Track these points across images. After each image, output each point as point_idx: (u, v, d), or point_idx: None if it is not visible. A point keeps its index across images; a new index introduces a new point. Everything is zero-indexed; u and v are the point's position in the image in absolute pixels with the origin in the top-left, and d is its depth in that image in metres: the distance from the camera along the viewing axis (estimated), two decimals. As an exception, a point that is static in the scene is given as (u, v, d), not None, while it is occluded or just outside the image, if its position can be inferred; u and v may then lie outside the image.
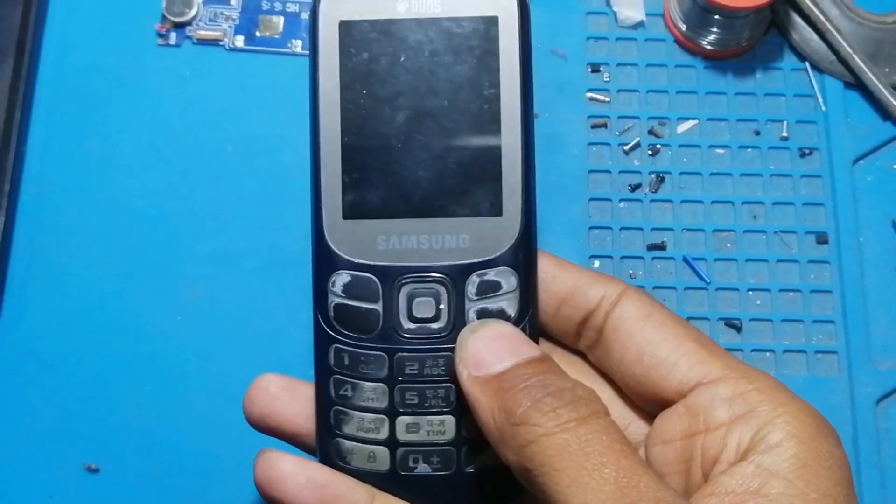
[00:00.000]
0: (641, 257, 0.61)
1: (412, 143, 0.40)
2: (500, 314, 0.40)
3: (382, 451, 0.41)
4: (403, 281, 0.40)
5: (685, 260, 0.61)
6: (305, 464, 0.39)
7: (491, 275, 0.40)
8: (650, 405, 0.41)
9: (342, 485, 0.39)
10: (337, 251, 0.40)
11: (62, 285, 0.61)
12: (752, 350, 0.59)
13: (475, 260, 0.40)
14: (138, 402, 0.59)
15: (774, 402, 0.37)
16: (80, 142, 0.64)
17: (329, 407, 0.41)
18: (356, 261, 0.40)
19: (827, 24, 0.64)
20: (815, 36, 0.65)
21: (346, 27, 0.40)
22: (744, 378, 0.38)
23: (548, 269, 0.42)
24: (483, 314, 0.40)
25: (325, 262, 0.40)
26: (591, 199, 0.63)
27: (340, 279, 0.40)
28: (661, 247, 0.62)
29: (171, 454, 0.58)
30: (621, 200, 0.63)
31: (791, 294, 0.61)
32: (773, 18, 0.66)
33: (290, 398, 0.43)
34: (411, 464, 0.41)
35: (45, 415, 0.59)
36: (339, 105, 0.40)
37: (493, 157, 0.40)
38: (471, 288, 0.40)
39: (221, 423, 0.58)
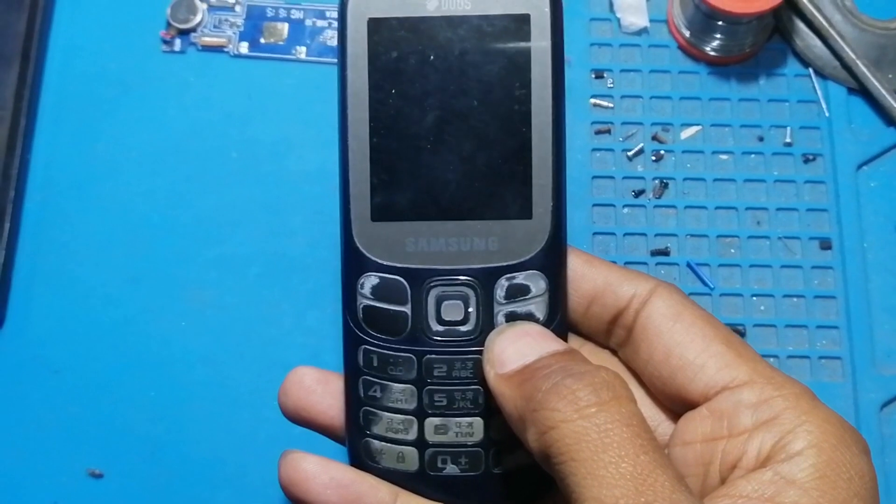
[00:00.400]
0: (645, 263, 0.62)
1: (441, 144, 0.40)
2: (529, 317, 0.40)
3: (411, 452, 0.41)
4: (432, 283, 0.40)
5: (689, 266, 0.61)
6: (328, 463, 0.40)
7: (520, 278, 0.40)
8: (676, 406, 0.40)
9: (364, 484, 0.40)
10: (366, 253, 0.40)
11: (67, 291, 0.61)
12: (756, 356, 0.59)
13: (504, 263, 0.40)
14: (143, 407, 0.59)
15: (799, 409, 0.36)
16: (84, 148, 0.64)
17: (358, 407, 0.41)
18: (385, 263, 0.40)
19: (830, 29, 0.64)
20: (818, 42, 0.65)
21: (375, 24, 0.40)
22: (770, 384, 0.37)
23: (577, 268, 0.41)
24: (512, 317, 0.40)
25: (353, 263, 0.40)
26: (594, 205, 0.63)
27: (369, 281, 0.40)
28: (665, 252, 0.62)
29: (175, 459, 0.58)
30: (625, 206, 0.63)
31: (795, 299, 0.61)
32: (776, 24, 0.66)
33: (324, 391, 0.43)
34: (440, 464, 0.41)
35: (50, 420, 0.59)
36: (367, 104, 0.40)
37: (522, 159, 0.39)
38: (500, 291, 0.40)
39: (226, 429, 0.58)
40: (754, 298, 0.61)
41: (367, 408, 0.41)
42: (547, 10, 0.39)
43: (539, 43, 0.39)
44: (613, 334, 0.42)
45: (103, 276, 0.61)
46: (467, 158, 0.39)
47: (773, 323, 0.60)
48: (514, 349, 0.38)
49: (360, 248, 0.40)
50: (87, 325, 0.60)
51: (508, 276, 0.40)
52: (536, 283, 0.40)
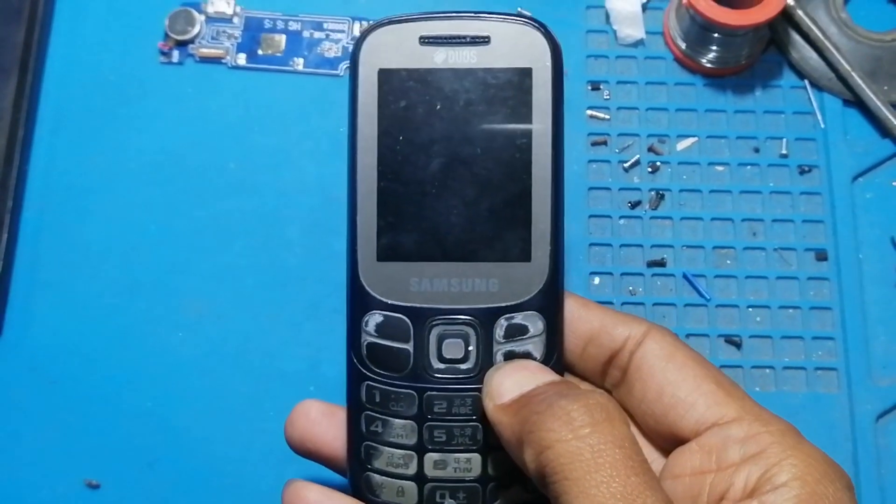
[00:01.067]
0: (641, 274, 0.62)
1: (445, 190, 0.41)
2: (527, 356, 0.41)
3: (411, 486, 0.42)
4: (434, 322, 0.42)
5: (685, 277, 0.61)
6: (331, 494, 0.41)
7: (518, 318, 0.41)
8: (667, 443, 0.42)
9: None
10: (371, 292, 0.42)
11: (64, 302, 0.61)
12: (752, 367, 0.60)
13: (503, 304, 0.41)
14: (140, 418, 0.59)
15: (784, 444, 0.37)
16: (82, 159, 0.64)
17: (360, 441, 0.42)
18: (389, 302, 0.42)
19: (826, 42, 0.65)
20: (813, 54, 0.66)
21: (385, 75, 0.42)
22: (758, 420, 0.39)
23: (574, 310, 0.43)
24: (510, 356, 0.41)
25: (359, 301, 0.42)
26: (591, 216, 0.63)
27: (374, 319, 0.42)
28: (661, 263, 0.62)
29: (172, 470, 0.58)
30: (621, 217, 0.63)
31: (791, 311, 0.61)
32: (772, 36, 0.66)
33: (329, 423, 0.45)
34: (438, 499, 0.42)
35: (47, 430, 0.59)
36: (376, 151, 0.42)
37: (523, 204, 0.41)
38: (499, 331, 0.41)
39: (223, 439, 0.58)
40: (750, 309, 0.61)
41: (369, 442, 0.42)
42: (549, 64, 0.42)
43: (541, 95, 0.41)
44: (608, 375, 0.44)
45: (101, 286, 0.61)
46: (470, 203, 0.41)
47: (769, 334, 0.60)
48: (512, 381, 0.39)
49: (366, 286, 0.42)
50: (84, 336, 0.60)
51: (507, 316, 0.41)
52: (534, 323, 0.41)
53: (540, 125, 0.41)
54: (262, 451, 0.58)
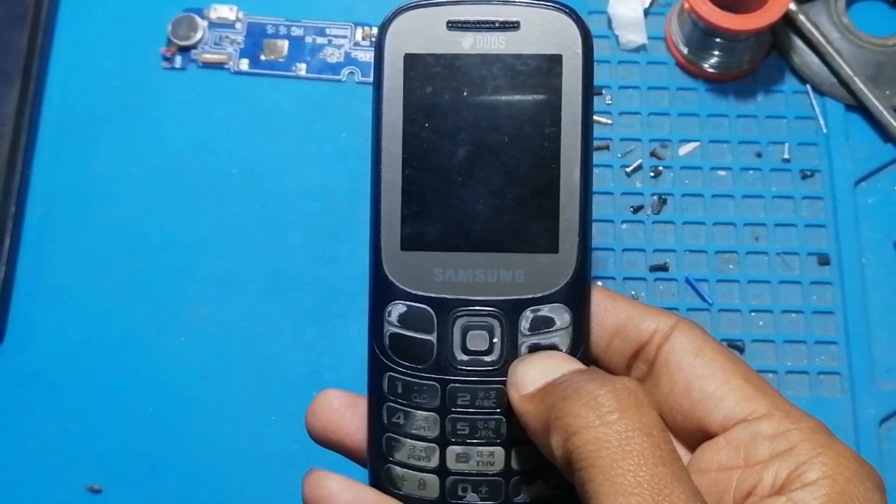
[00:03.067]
0: (644, 279, 0.62)
1: (472, 178, 0.40)
2: (553, 350, 0.40)
3: (432, 479, 0.41)
4: (458, 313, 0.41)
5: (688, 281, 0.61)
6: (352, 484, 0.40)
7: (545, 311, 0.40)
8: (694, 438, 0.41)
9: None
10: (394, 281, 0.41)
11: (67, 307, 0.61)
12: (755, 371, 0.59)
13: (530, 296, 0.40)
14: (141, 423, 0.59)
15: (815, 442, 0.37)
16: (85, 165, 0.64)
17: (381, 433, 0.42)
18: (413, 292, 0.41)
19: (828, 47, 0.65)
20: (816, 59, 0.66)
21: (411, 60, 0.41)
22: (788, 417, 0.38)
23: (600, 302, 0.42)
24: (535, 349, 0.40)
25: (381, 291, 0.41)
26: (594, 221, 0.63)
27: (396, 309, 0.41)
28: (664, 268, 0.62)
29: (173, 475, 0.58)
30: (624, 222, 0.63)
31: (793, 315, 0.61)
32: (774, 41, 0.66)
33: (353, 415, 0.44)
34: (460, 492, 0.41)
35: (49, 435, 0.59)
36: (401, 137, 0.41)
37: (551, 194, 0.40)
38: (524, 323, 0.40)
39: (224, 445, 0.58)
40: (753, 314, 0.61)
41: (390, 434, 0.41)
42: (579, 51, 0.40)
43: (570, 83, 0.40)
44: (634, 368, 0.43)
45: (103, 292, 0.62)
46: (497, 192, 0.40)
47: (772, 338, 0.60)
48: (537, 370, 0.38)
49: (389, 276, 0.41)
50: (86, 341, 0.60)
51: (533, 308, 0.40)
52: (561, 315, 0.40)
53: (569, 113, 0.40)
54: (264, 456, 0.58)
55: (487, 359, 0.40)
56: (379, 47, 0.41)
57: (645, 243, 0.62)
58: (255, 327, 0.61)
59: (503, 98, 0.40)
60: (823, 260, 0.62)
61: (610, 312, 0.42)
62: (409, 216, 0.41)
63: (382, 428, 0.41)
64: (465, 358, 0.41)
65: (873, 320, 0.60)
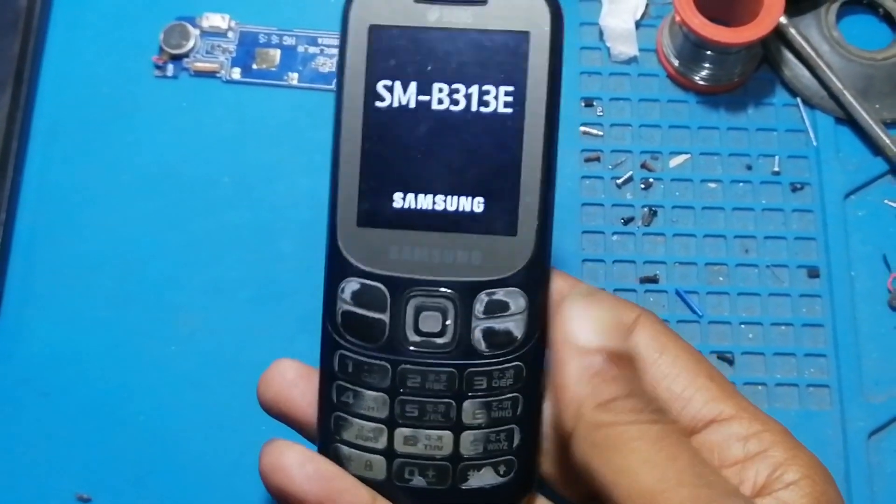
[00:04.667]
0: (634, 290, 0.62)
1: (431, 156, 0.40)
2: (507, 335, 0.40)
3: (379, 461, 0.41)
4: (412, 293, 0.40)
5: (678, 293, 0.62)
6: (313, 455, 0.40)
7: (500, 294, 0.40)
8: None
9: (347, 481, 0.40)
10: (349, 258, 0.40)
11: (57, 314, 0.61)
12: (745, 383, 0.60)
13: (485, 278, 0.40)
14: (132, 431, 0.59)
15: (787, 444, 0.39)
16: (76, 172, 0.64)
17: (330, 411, 0.41)
18: (366, 269, 0.40)
19: (818, 60, 0.65)
20: (806, 72, 0.66)
21: (376, 32, 0.40)
22: (756, 420, 0.39)
23: (563, 291, 0.42)
24: (489, 334, 0.40)
25: (336, 267, 0.41)
26: (584, 232, 0.63)
27: (350, 286, 0.40)
28: (654, 280, 0.62)
29: (163, 484, 0.58)
30: (614, 233, 0.63)
31: (783, 327, 0.61)
32: (764, 54, 0.67)
33: (305, 387, 0.43)
34: (407, 475, 0.40)
35: (39, 443, 0.59)
36: (362, 111, 0.40)
37: (511, 175, 0.40)
38: (479, 306, 0.40)
39: (214, 453, 0.58)
40: (742, 326, 0.61)
41: (339, 413, 0.41)
42: (547, 28, 0.40)
43: (537, 61, 0.40)
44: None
45: (93, 299, 0.61)
46: (456, 171, 0.40)
47: (762, 351, 0.60)
48: (591, 324, 0.38)
49: (344, 252, 0.40)
50: (76, 349, 0.60)
51: (489, 291, 0.40)
52: (516, 300, 0.40)
53: (534, 93, 0.40)
54: (255, 465, 0.58)
55: (439, 341, 0.40)
56: (344, 18, 0.40)
57: (635, 255, 0.63)
58: (245, 336, 0.61)
59: (467, 74, 0.40)
60: (813, 272, 0.62)
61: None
62: (365, 192, 0.40)
63: (332, 406, 0.41)
64: (418, 339, 0.40)
65: (862, 333, 0.61)
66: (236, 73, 0.67)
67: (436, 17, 0.40)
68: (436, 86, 0.40)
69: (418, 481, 0.40)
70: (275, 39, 0.67)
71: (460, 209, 0.40)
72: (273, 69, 0.67)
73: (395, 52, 0.40)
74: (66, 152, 0.65)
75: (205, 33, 0.67)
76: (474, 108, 0.40)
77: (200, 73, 0.67)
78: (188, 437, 0.59)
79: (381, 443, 0.40)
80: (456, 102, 0.40)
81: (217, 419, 0.59)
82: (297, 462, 0.39)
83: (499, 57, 0.40)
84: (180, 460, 0.58)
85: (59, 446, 0.59)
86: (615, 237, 0.63)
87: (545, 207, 0.40)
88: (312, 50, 0.67)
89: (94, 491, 0.58)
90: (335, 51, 0.66)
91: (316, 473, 0.39)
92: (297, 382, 0.43)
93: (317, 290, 0.61)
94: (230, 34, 0.67)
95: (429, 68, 0.40)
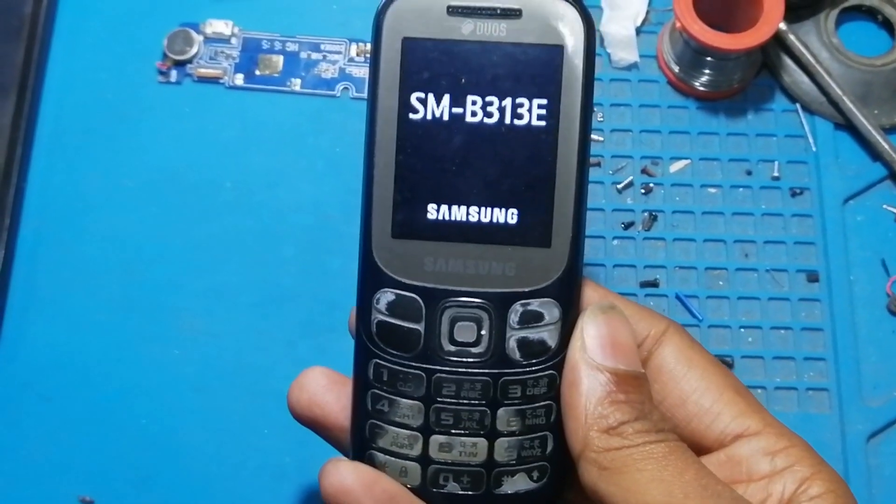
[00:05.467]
0: (635, 294, 0.62)
1: (466, 168, 0.40)
2: (541, 344, 0.40)
3: (414, 467, 0.41)
4: (447, 304, 0.40)
5: (678, 297, 0.62)
6: (378, 475, 0.40)
7: (535, 305, 0.40)
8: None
9: (408, 500, 0.41)
10: (384, 269, 0.40)
11: (60, 319, 0.61)
12: (744, 387, 0.60)
13: (520, 289, 0.40)
14: (134, 435, 0.59)
15: (812, 460, 0.40)
16: (80, 178, 0.65)
17: (365, 419, 0.41)
18: (402, 280, 0.40)
19: (817, 66, 0.65)
20: (805, 78, 0.66)
21: (410, 44, 0.40)
22: (783, 436, 0.41)
23: (591, 300, 0.42)
24: (523, 343, 0.40)
25: (370, 278, 0.41)
26: (586, 237, 0.63)
27: (385, 297, 0.41)
28: (654, 284, 0.62)
29: (165, 487, 0.58)
30: (615, 238, 0.63)
31: (782, 332, 0.61)
32: (764, 61, 0.67)
33: (339, 393, 0.44)
34: (441, 481, 0.41)
35: (41, 447, 0.59)
36: (396, 123, 0.40)
37: (546, 188, 0.40)
38: (513, 316, 0.40)
39: (216, 457, 0.58)
40: (742, 330, 0.61)
41: (374, 421, 0.41)
42: (581, 43, 0.40)
43: (570, 75, 0.40)
44: None
45: (96, 303, 0.62)
46: (491, 183, 0.40)
47: (761, 354, 0.61)
48: (610, 347, 0.39)
49: (379, 263, 0.41)
50: (79, 353, 0.61)
51: (523, 301, 0.40)
52: (550, 311, 0.40)
53: (568, 106, 0.40)
54: (256, 468, 0.58)
55: (475, 350, 0.40)
56: (377, 30, 0.40)
57: (635, 259, 0.63)
58: (247, 340, 0.61)
59: (502, 87, 0.40)
60: (812, 277, 0.62)
61: None
62: (401, 203, 0.40)
63: (366, 414, 0.41)
64: (453, 348, 0.40)
65: (861, 337, 0.61)
66: (239, 79, 0.67)
67: (469, 29, 0.40)
68: (469, 98, 0.40)
69: (453, 487, 0.41)
70: (278, 45, 0.68)
71: (495, 221, 0.40)
72: (276, 75, 0.67)
73: (428, 64, 0.40)
74: (70, 158, 0.65)
75: (208, 39, 0.68)
76: (508, 120, 0.40)
77: (204, 79, 0.67)
78: (190, 440, 0.59)
79: (417, 450, 0.41)
80: (490, 115, 0.40)
81: (219, 423, 0.59)
82: (363, 483, 0.40)
83: (533, 70, 0.40)
84: (182, 464, 0.59)
85: (62, 450, 0.59)
86: (616, 242, 0.63)
87: (579, 219, 0.40)
88: (315, 56, 0.67)
89: (97, 494, 0.58)
90: (338, 57, 0.66)
91: (384, 494, 0.40)
92: (331, 387, 0.44)
93: (318, 295, 0.62)
94: (233, 40, 0.68)
95: (462, 81, 0.40)
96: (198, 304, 0.62)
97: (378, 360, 0.41)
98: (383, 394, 0.41)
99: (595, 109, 0.66)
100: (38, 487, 0.58)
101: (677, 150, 0.65)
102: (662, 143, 0.66)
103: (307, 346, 0.61)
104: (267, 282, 0.62)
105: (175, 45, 0.67)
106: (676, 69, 0.66)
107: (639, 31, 0.68)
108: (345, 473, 0.40)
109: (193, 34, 0.67)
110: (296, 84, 0.67)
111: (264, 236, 0.63)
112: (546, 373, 0.41)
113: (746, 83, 0.67)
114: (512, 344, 0.40)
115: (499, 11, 0.40)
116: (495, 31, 0.40)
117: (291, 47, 0.68)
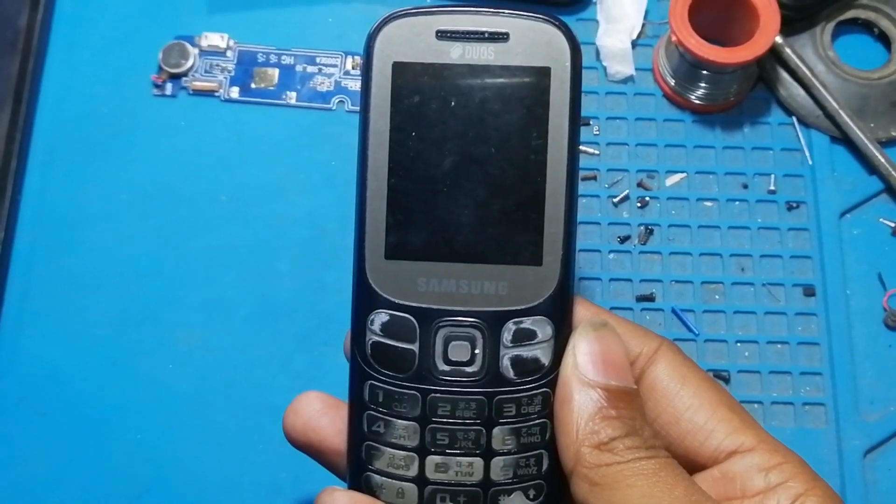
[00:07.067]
0: (631, 308, 0.62)
1: (457, 189, 0.40)
2: (534, 362, 0.40)
3: (411, 488, 0.41)
4: (441, 324, 0.41)
5: (674, 311, 0.62)
6: (372, 503, 0.41)
7: (527, 323, 0.40)
8: (680, 463, 0.42)
9: None
10: (377, 290, 0.41)
11: (55, 332, 0.61)
12: (741, 401, 0.59)
13: (512, 308, 0.40)
14: (129, 450, 0.59)
15: (806, 476, 0.40)
16: (75, 190, 0.64)
17: (361, 441, 0.42)
18: (396, 301, 0.41)
19: (813, 79, 0.65)
20: (801, 91, 0.66)
21: (400, 69, 0.41)
22: (777, 452, 0.41)
23: (583, 318, 0.42)
24: (517, 361, 0.40)
25: (365, 299, 0.41)
26: (580, 250, 0.63)
27: (379, 318, 0.41)
28: (650, 298, 0.62)
29: (160, 501, 0.58)
30: (611, 252, 0.63)
31: (779, 346, 0.61)
32: (760, 74, 0.67)
33: (334, 416, 0.44)
34: (438, 502, 0.41)
35: (37, 462, 0.59)
36: (387, 146, 0.41)
37: (536, 207, 0.40)
38: (506, 335, 0.40)
39: (212, 472, 0.58)
40: (738, 344, 0.61)
41: (370, 442, 0.41)
42: (568, 64, 0.40)
43: (558, 95, 0.40)
44: None
45: (91, 317, 0.62)
46: (482, 203, 0.40)
47: (758, 369, 0.61)
48: (602, 363, 0.39)
49: (373, 284, 0.41)
50: (74, 367, 0.60)
51: (516, 320, 0.40)
52: (543, 328, 0.40)
53: (557, 126, 0.40)
54: (251, 484, 0.58)
55: (469, 369, 0.41)
56: (367, 55, 0.41)
57: (632, 273, 0.63)
58: (242, 354, 0.61)
59: (491, 109, 0.40)
60: (809, 291, 0.62)
61: None
62: (393, 225, 0.41)
63: (362, 436, 0.41)
64: (447, 368, 0.41)
65: (858, 351, 0.61)
66: (235, 92, 0.67)
67: (458, 53, 0.41)
68: (459, 121, 0.40)
69: None
70: (273, 59, 0.68)
71: (486, 240, 0.41)
72: (271, 88, 0.67)
73: (419, 88, 0.41)
74: (65, 171, 0.65)
75: (204, 52, 0.68)
76: (498, 142, 0.40)
77: (199, 92, 0.67)
78: (185, 454, 0.59)
79: (413, 471, 0.41)
80: (480, 137, 0.40)
81: (214, 437, 0.59)
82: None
83: (521, 91, 0.40)
84: (177, 478, 0.58)
85: (58, 464, 0.59)
86: (612, 255, 0.63)
87: (569, 237, 0.41)
88: (311, 69, 0.67)
89: (92, 509, 0.58)
90: (333, 70, 0.66)
91: None
92: (326, 412, 0.44)
93: (314, 308, 0.61)
94: (229, 53, 0.68)
95: (452, 104, 0.40)
96: (193, 318, 0.62)
97: (373, 382, 0.41)
98: (379, 415, 0.41)
99: (591, 122, 0.66)
100: (33, 502, 0.58)
101: (673, 163, 0.65)
102: (658, 156, 0.66)
103: (303, 360, 0.61)
104: (262, 295, 0.62)
105: (170, 58, 0.67)
106: (672, 82, 0.66)
107: (635, 44, 0.68)
108: (339, 502, 0.40)
109: (189, 47, 0.67)
110: (291, 97, 0.67)
111: (260, 250, 0.63)
112: (540, 390, 0.41)
113: (742, 96, 0.67)
114: (506, 362, 0.41)
115: (486, 35, 0.41)
116: (483, 54, 0.41)
117: (287, 60, 0.68)
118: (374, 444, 0.41)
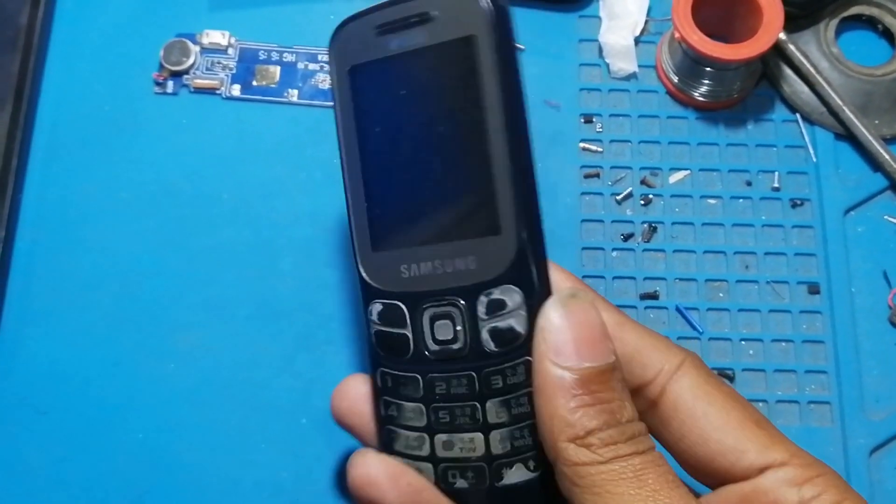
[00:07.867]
0: (634, 306, 0.62)
1: (419, 174, 0.42)
2: (510, 331, 0.41)
3: (427, 467, 0.42)
4: (425, 305, 0.42)
5: (678, 309, 0.61)
6: (404, 468, 0.42)
7: (496, 293, 0.41)
8: (708, 479, 0.42)
9: (432, 494, 0.42)
10: (370, 281, 0.43)
11: (56, 332, 0.61)
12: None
13: (480, 280, 0.41)
14: (131, 449, 0.59)
15: (838, 489, 0.40)
16: (76, 189, 0.64)
17: (381, 425, 0.44)
18: (385, 289, 0.43)
19: (817, 76, 0.65)
20: (805, 88, 0.66)
21: (354, 71, 0.43)
22: (809, 465, 0.41)
23: (609, 330, 0.41)
24: (495, 333, 0.41)
25: (363, 292, 0.43)
26: (584, 248, 0.63)
27: (375, 308, 0.43)
28: (654, 296, 0.62)
29: (162, 502, 0.58)
30: (614, 250, 0.63)
31: (783, 344, 0.61)
32: (764, 71, 0.67)
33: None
34: (451, 479, 0.42)
35: (37, 462, 0.58)
36: (357, 145, 0.43)
37: (485, 177, 0.41)
38: (481, 308, 0.41)
39: (214, 471, 0.58)
40: (743, 343, 0.61)
41: (388, 426, 0.43)
42: (490, 27, 0.41)
43: (485, 61, 0.41)
44: (635, 401, 0.42)
45: (92, 316, 0.61)
46: (441, 183, 0.42)
47: (762, 367, 0.60)
48: (574, 345, 0.39)
49: (366, 277, 0.43)
50: (75, 367, 0.60)
51: (486, 291, 0.41)
52: (511, 296, 0.41)
53: (489, 92, 0.40)
54: (253, 484, 0.58)
55: (455, 347, 0.42)
56: (330, 61, 0.44)
57: (635, 271, 0.62)
58: (244, 353, 0.61)
59: (432, 89, 0.42)
60: (813, 289, 0.62)
61: (616, 341, 0.42)
62: (373, 218, 0.43)
63: (382, 420, 0.43)
64: (437, 348, 0.42)
65: (863, 349, 0.61)
66: (236, 90, 0.67)
67: (396, 44, 0.42)
68: (409, 109, 0.42)
69: (461, 483, 0.42)
70: (275, 56, 0.67)
71: (451, 218, 0.42)
72: (273, 86, 0.67)
73: (372, 86, 0.43)
74: (66, 169, 0.65)
75: (205, 50, 0.67)
76: (445, 120, 0.41)
77: (200, 90, 0.67)
78: (187, 454, 0.59)
79: (425, 450, 0.42)
80: (430, 120, 0.42)
81: (215, 437, 0.59)
82: (389, 475, 0.42)
83: (454, 66, 0.41)
84: (179, 477, 0.58)
85: (58, 464, 0.58)
86: (615, 253, 0.63)
87: (523, 200, 0.41)
88: (312, 66, 0.67)
89: (93, 509, 0.58)
90: (335, 68, 0.66)
91: (409, 488, 0.41)
92: (369, 396, 0.45)
93: (316, 307, 0.61)
94: (230, 51, 0.67)
95: (401, 93, 0.42)
96: (194, 316, 0.61)
97: (383, 368, 0.43)
98: (391, 399, 0.43)
99: (594, 120, 0.66)
100: (33, 502, 0.58)
101: (677, 160, 0.65)
102: (662, 153, 0.65)
103: (305, 359, 0.61)
104: (264, 294, 0.62)
105: (171, 55, 0.67)
106: (675, 79, 0.66)
107: (637, 41, 0.68)
108: (371, 464, 0.42)
109: (190, 45, 0.67)
110: (293, 95, 0.66)
111: (261, 248, 0.63)
112: (521, 359, 0.41)
113: (746, 93, 0.66)
114: (485, 335, 0.41)
115: (415, 20, 0.42)
116: (416, 38, 0.42)
117: (288, 58, 0.67)
118: (392, 427, 0.43)
